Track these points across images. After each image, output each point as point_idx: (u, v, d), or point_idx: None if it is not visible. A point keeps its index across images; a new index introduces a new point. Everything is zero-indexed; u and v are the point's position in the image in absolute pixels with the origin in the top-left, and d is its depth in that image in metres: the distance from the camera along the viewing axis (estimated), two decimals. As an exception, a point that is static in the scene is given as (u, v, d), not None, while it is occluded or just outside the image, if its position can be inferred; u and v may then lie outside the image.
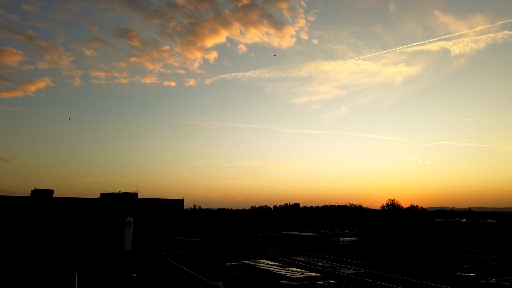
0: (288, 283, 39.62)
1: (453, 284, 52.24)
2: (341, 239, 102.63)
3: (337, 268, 59.39)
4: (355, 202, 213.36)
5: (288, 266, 51.08)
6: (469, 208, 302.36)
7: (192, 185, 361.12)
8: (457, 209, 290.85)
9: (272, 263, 53.01)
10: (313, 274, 43.28)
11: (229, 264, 54.76)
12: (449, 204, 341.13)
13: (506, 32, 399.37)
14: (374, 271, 62.09)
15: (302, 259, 74.18)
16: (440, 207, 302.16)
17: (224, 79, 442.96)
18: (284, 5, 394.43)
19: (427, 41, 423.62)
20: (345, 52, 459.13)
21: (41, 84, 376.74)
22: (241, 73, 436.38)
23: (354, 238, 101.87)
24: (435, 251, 73.86)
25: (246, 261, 53.78)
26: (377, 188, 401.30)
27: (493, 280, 53.38)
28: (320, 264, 64.66)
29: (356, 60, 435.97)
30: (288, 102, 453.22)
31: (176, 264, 71.87)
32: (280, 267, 48.09)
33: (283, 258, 73.66)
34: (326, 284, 39.64)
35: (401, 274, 61.51)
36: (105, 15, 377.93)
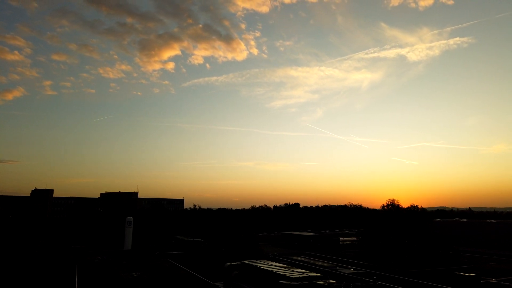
0: (288, 282, 39.61)
1: (453, 284, 52.26)
2: (341, 239, 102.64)
3: (337, 268, 59.36)
4: (354, 202, 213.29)
5: (288, 266, 51.05)
6: (469, 208, 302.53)
7: (189, 185, 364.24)
8: (457, 209, 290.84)
9: (272, 263, 53.00)
10: (313, 274, 43.26)
11: (229, 264, 54.75)
12: (449, 204, 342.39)
13: (458, 38, 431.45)
14: (374, 271, 62.10)
15: (302, 259, 74.17)
16: (440, 207, 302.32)
17: (197, 84, 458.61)
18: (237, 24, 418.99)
19: (381, 48, 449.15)
20: (308, 61, 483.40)
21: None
22: (215, 77, 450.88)
23: (354, 238, 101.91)
24: (435, 251, 73.88)
25: (246, 261, 53.75)
26: (370, 188, 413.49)
27: (493, 280, 53.44)
28: (320, 264, 64.65)
29: (320, 67, 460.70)
30: (265, 106, 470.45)
31: (176, 264, 71.90)
32: (280, 267, 48.08)
33: (283, 258, 73.66)
34: (326, 284, 39.63)
35: (401, 274, 61.53)
36: (65, 31, 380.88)
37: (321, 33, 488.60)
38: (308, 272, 44.29)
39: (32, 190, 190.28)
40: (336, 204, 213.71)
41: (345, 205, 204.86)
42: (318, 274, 43.61)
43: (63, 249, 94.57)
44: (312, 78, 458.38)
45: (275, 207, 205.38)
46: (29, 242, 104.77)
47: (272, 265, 50.12)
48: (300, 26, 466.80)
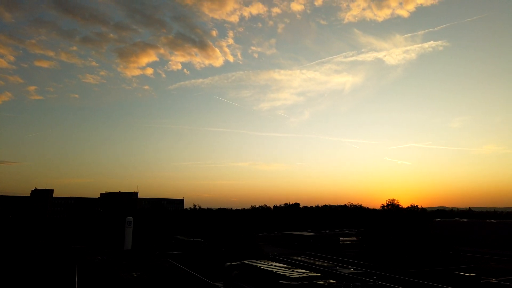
0: (288, 282, 39.63)
1: (453, 284, 52.27)
2: (341, 238, 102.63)
3: (337, 267, 59.32)
4: (354, 202, 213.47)
5: (288, 265, 51.06)
6: (469, 208, 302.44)
7: (187, 185, 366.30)
8: (457, 209, 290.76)
9: (272, 262, 53.00)
10: (313, 274, 43.28)
11: (229, 263, 54.77)
12: (449, 204, 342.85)
13: (432, 42, 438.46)
14: (374, 270, 62.10)
15: (302, 258, 74.15)
16: (440, 207, 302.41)
17: (184, 86, 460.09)
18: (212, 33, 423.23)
19: (359, 51, 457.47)
20: (289, 65, 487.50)
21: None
22: (200, 80, 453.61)
23: (354, 238, 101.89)
24: (435, 251, 73.87)
25: (246, 261, 53.76)
26: (367, 188, 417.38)
27: (493, 280, 53.42)
28: (320, 263, 64.61)
29: (302, 70, 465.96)
30: (253, 108, 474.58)
31: (176, 264, 71.91)
32: (280, 267, 48.09)
33: (283, 258, 73.65)
34: (326, 284, 39.65)
35: (401, 274, 61.53)
36: (44, 39, 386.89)
37: (295, 39, 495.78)
38: (308, 272, 44.31)
39: (32, 190, 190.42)
40: (336, 204, 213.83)
41: (345, 205, 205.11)
42: (318, 274, 43.63)
43: (63, 249, 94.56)
44: (296, 81, 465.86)
45: (275, 207, 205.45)
46: (29, 242, 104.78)
47: (272, 265, 50.13)
48: (270, 33, 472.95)
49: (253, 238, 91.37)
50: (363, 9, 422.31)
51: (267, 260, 58.19)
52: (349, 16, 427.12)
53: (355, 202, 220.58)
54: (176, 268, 66.67)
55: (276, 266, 49.33)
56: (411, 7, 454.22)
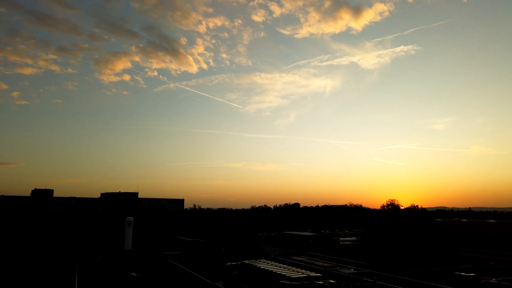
0: (288, 282, 39.63)
1: (453, 284, 52.27)
2: (341, 239, 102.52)
3: (337, 268, 59.29)
4: (354, 202, 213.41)
5: (288, 266, 51.07)
6: (469, 208, 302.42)
7: (185, 185, 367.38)
8: (457, 209, 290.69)
9: (272, 263, 53.02)
10: (313, 274, 43.29)
11: (229, 264, 54.78)
12: (449, 204, 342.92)
13: (402, 47, 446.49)
14: (374, 271, 62.08)
15: (302, 259, 74.14)
16: (440, 207, 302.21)
17: (168, 89, 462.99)
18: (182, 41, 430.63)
19: (333, 55, 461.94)
20: (268, 70, 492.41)
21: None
22: (185, 82, 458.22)
23: (354, 238, 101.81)
24: (435, 251, 73.90)
25: (246, 261, 53.77)
26: (364, 188, 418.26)
27: (493, 280, 53.40)
28: (320, 264, 64.59)
29: (281, 74, 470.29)
30: (239, 110, 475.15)
31: (176, 264, 71.90)
32: (280, 267, 48.10)
33: (283, 258, 73.64)
34: (326, 284, 39.66)
35: (401, 274, 61.53)
36: (21, 48, 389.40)
37: (266, 45, 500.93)
38: (308, 272, 44.32)
39: (32, 190, 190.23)
40: (336, 204, 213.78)
41: (345, 205, 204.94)
42: (318, 274, 43.64)
43: (63, 249, 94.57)
44: (277, 84, 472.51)
45: (275, 207, 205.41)
46: (29, 242, 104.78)
47: (272, 265, 50.14)
48: (239, 41, 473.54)
49: (253, 238, 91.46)
50: (318, 21, 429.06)
51: (267, 260, 58.20)
52: (306, 30, 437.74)
53: (353, 202, 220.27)
54: (176, 268, 66.66)
55: (276, 266, 49.34)
56: (364, 21, 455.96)
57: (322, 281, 40.77)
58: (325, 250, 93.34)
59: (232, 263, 54.62)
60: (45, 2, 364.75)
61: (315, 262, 66.79)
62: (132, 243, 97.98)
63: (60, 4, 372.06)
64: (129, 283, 53.12)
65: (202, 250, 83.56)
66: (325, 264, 63.67)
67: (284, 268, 47.40)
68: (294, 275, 42.36)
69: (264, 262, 52.66)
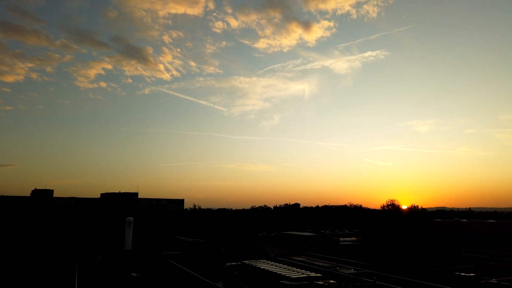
0: (288, 283, 39.63)
1: (453, 284, 52.26)
2: (341, 239, 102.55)
3: (337, 268, 59.31)
4: (354, 202, 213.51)
5: (288, 266, 51.10)
6: (469, 208, 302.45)
7: (183, 185, 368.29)
8: (457, 209, 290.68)
9: (272, 263, 53.03)
10: (313, 274, 43.29)
11: (229, 264, 54.78)
12: (449, 204, 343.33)
13: (369, 52, 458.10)
14: (374, 271, 62.10)
15: (302, 259, 74.14)
16: (440, 207, 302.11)
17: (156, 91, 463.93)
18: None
19: (306, 60, 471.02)
20: (244, 74, 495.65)
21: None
22: (167, 85, 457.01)
23: (354, 238, 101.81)
24: (435, 251, 73.89)
25: (246, 261, 53.79)
26: (360, 188, 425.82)
27: (493, 280, 53.37)
28: (320, 264, 64.59)
29: (258, 78, 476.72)
30: (224, 114, 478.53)
31: (176, 264, 71.89)
32: (280, 267, 48.10)
33: (283, 258, 73.63)
34: (326, 284, 39.65)
35: (401, 274, 61.52)
36: None
37: (236, 51, 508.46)
38: (308, 272, 44.32)
39: (32, 190, 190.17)
40: (336, 204, 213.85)
41: (345, 205, 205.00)
42: (318, 274, 43.64)
43: (63, 249, 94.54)
44: (257, 88, 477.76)
45: (275, 207, 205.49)
46: (29, 242, 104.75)
47: (272, 265, 50.15)
48: (203, 49, 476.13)
49: (253, 238, 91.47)
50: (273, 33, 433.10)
51: (267, 260, 58.22)
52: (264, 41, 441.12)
53: (353, 202, 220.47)
54: (176, 268, 66.65)
55: (276, 266, 49.35)
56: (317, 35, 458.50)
57: (322, 281, 40.77)
58: (325, 250, 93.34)
59: (232, 263, 54.62)
60: (15, 15, 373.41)
61: (315, 262, 66.79)
62: (132, 243, 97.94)
63: (29, 17, 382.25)
64: (129, 283, 53.11)
65: (202, 250, 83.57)
66: (325, 264, 63.68)
67: (284, 268, 47.40)
68: (294, 275, 42.37)
69: (264, 262, 52.67)
